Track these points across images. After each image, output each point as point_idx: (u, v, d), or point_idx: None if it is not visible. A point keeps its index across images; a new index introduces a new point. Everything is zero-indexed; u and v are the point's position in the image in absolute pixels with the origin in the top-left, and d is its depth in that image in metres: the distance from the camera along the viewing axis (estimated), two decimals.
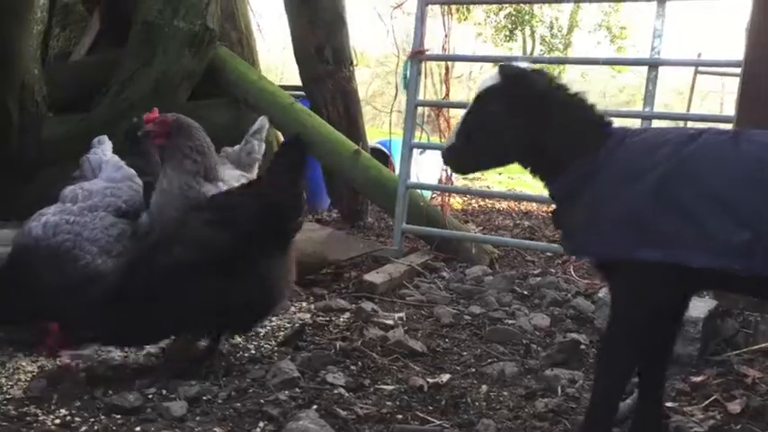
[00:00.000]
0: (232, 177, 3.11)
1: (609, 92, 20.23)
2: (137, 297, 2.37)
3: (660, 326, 1.96)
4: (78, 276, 2.64)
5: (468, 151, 2.01)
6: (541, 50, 19.03)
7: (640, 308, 1.85)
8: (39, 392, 2.33)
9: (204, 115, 4.72)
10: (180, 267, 2.39)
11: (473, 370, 2.67)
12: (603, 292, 3.11)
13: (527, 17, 18.64)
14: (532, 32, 19.36)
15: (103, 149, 3.17)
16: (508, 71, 1.97)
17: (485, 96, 1.97)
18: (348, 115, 5.18)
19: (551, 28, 19.87)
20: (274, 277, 2.55)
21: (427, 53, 4.30)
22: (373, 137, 6.32)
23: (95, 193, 2.87)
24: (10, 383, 2.42)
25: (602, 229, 1.82)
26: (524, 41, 17.15)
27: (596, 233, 1.84)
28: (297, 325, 3.03)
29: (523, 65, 2.02)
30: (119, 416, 2.20)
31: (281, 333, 2.97)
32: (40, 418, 2.17)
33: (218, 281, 2.42)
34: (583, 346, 2.85)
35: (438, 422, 2.20)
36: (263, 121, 3.59)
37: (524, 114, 1.92)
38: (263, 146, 3.56)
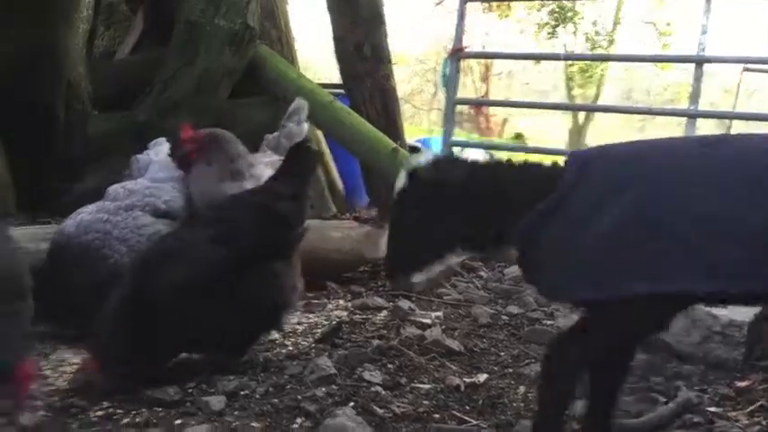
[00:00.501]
0: (270, 164, 3.10)
1: (653, 90, 19.85)
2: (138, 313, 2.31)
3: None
4: (106, 274, 2.65)
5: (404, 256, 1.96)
6: (585, 48, 18.75)
7: (621, 336, 1.74)
8: (83, 384, 2.38)
9: (243, 113, 4.81)
10: (176, 285, 2.30)
11: (511, 370, 2.65)
12: None
13: (569, 14, 18.40)
14: (575, 29, 19.08)
15: (157, 151, 3.20)
16: (414, 174, 1.88)
17: (399, 204, 1.90)
18: (387, 113, 5.18)
19: (595, 24, 19.58)
20: (278, 287, 2.49)
21: (467, 50, 4.28)
22: (412, 135, 6.33)
23: (136, 193, 2.90)
24: (55, 375, 2.48)
25: (574, 268, 1.66)
26: (567, 38, 16.94)
27: (567, 273, 1.67)
28: (334, 322, 3.04)
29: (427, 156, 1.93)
30: (160, 409, 2.23)
31: (318, 330, 2.99)
32: (84, 412, 2.22)
33: (218, 298, 2.36)
34: None
35: (475, 422, 2.19)
36: (298, 103, 3.49)
37: (451, 208, 1.84)
38: (305, 126, 3.46)
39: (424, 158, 1.93)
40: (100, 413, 2.20)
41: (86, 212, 2.77)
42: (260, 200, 2.54)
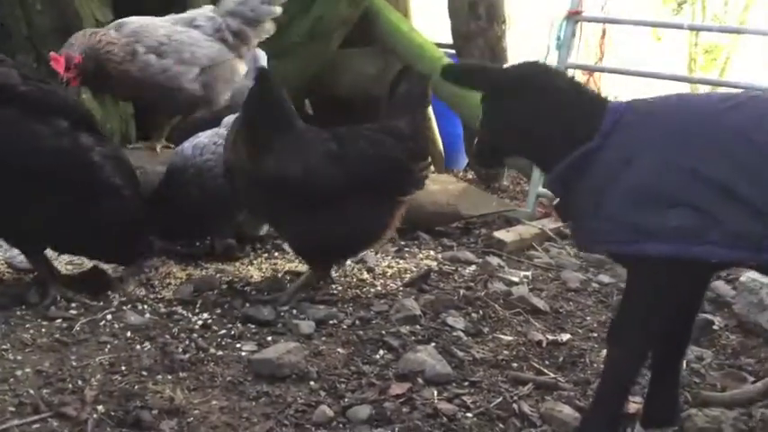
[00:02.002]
0: None
1: None
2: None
3: (678, 311, 1.82)
4: (219, 193, 2.83)
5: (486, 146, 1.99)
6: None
7: (657, 300, 1.71)
8: (186, 296, 2.56)
9: (353, 63, 4.88)
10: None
11: (595, 335, 2.63)
12: (745, 277, 2.94)
13: None
14: (704, 7, 18.03)
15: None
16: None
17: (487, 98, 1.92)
18: None
19: (726, 4, 18.43)
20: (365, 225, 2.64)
21: (584, 14, 4.16)
22: None
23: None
24: (162, 286, 2.67)
25: (605, 221, 1.67)
26: (693, 17, 16.01)
27: (598, 225, 1.68)
28: (423, 269, 3.10)
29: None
30: (253, 326, 2.38)
31: (407, 275, 3.06)
32: (186, 318, 2.40)
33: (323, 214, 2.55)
34: (716, 327, 2.72)
35: (553, 376, 2.21)
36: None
37: (518, 107, 1.83)
38: None
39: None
40: (200, 323, 2.38)
41: (203, 136, 2.95)
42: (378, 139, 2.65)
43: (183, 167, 2.86)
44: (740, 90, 3.52)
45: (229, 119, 3.10)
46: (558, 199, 1.85)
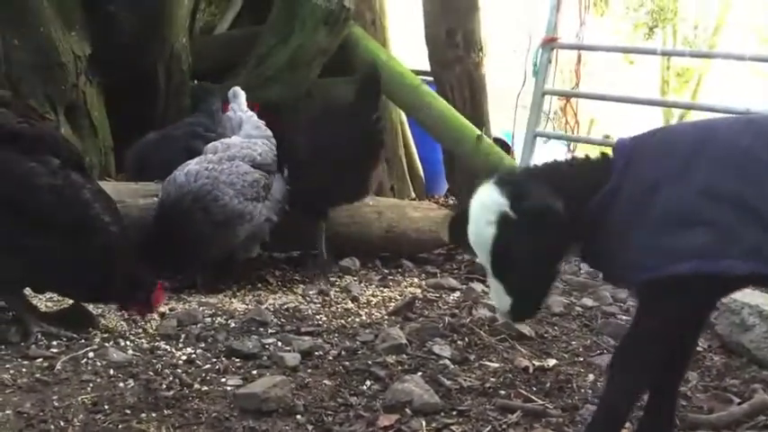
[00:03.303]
0: None
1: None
2: None
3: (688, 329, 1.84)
4: (221, 214, 2.91)
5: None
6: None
7: (671, 325, 1.72)
8: (169, 331, 2.53)
9: (333, 92, 4.90)
10: None
11: (581, 359, 2.64)
12: (727, 297, 2.97)
13: (670, 15, 17.76)
14: (674, 31, 18.40)
15: (239, 103, 3.44)
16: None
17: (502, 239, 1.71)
18: (473, 101, 5.17)
19: (695, 27, 18.83)
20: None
21: (559, 41, 4.24)
22: (496, 128, 6.28)
23: (233, 146, 3.14)
24: (144, 321, 2.64)
25: (637, 251, 1.66)
26: (665, 40, 16.34)
27: (631, 256, 1.67)
28: (407, 297, 3.10)
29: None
30: (238, 359, 2.36)
31: (392, 304, 3.05)
32: (169, 353, 2.37)
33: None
34: (699, 348, 2.74)
35: (541, 402, 2.21)
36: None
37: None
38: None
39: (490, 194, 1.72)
40: (183, 357, 2.35)
41: (192, 164, 2.99)
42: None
43: (178, 196, 2.86)
44: (717, 113, 3.60)
45: (213, 144, 3.13)
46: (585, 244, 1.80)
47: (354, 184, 3.46)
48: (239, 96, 3.48)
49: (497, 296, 1.77)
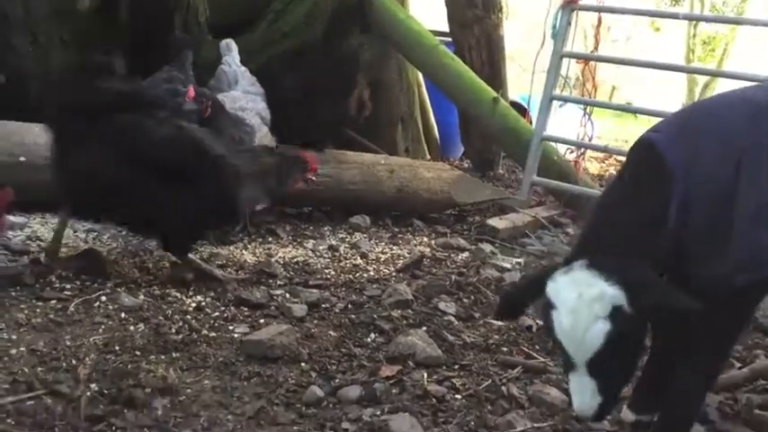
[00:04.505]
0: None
1: None
2: None
3: None
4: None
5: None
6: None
7: (743, 322, 1.74)
8: (180, 279, 2.58)
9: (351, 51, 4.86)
10: None
11: None
12: None
13: None
14: None
15: (233, 56, 3.46)
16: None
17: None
18: (491, 63, 5.13)
19: None
20: None
21: (580, 3, 4.17)
22: (513, 92, 6.22)
23: (238, 99, 3.22)
24: (157, 269, 2.69)
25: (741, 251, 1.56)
26: (692, 6, 15.95)
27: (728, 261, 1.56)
28: (416, 255, 3.12)
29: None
30: (246, 308, 2.40)
31: (400, 261, 3.08)
32: (179, 300, 2.42)
33: None
34: None
35: (542, 359, 2.24)
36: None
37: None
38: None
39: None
40: (193, 305, 2.39)
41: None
42: None
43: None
44: (742, 81, 3.55)
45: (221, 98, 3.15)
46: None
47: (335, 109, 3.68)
48: (233, 49, 3.47)
49: (583, 394, 1.54)
